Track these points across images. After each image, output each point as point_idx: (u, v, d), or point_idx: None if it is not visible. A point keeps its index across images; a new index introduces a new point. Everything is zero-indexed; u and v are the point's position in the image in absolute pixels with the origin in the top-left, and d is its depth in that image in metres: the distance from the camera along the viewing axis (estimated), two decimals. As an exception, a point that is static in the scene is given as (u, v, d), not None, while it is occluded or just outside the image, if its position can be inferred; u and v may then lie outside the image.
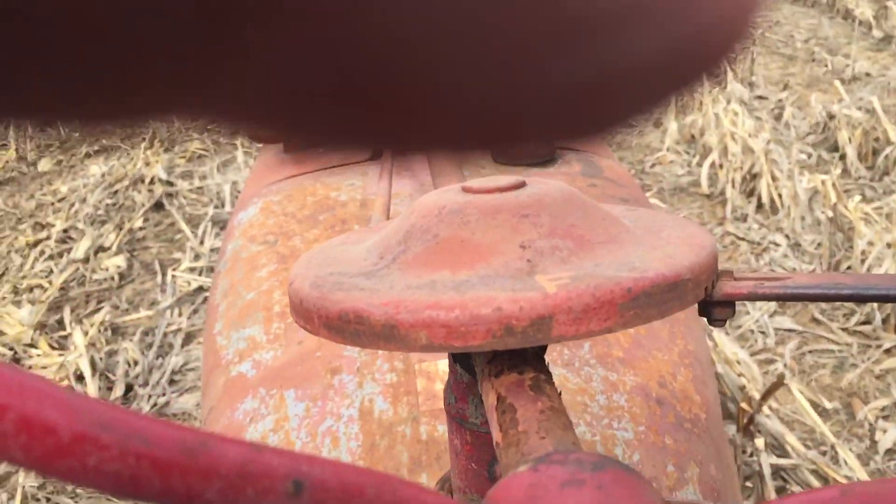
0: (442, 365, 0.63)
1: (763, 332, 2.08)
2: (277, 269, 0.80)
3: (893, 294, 0.34)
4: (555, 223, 0.34)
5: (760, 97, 4.08)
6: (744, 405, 1.56)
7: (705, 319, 0.37)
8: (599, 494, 0.21)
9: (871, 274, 0.36)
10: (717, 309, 0.36)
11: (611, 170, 0.97)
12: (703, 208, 2.87)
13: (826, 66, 4.60)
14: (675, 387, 0.64)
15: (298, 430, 0.62)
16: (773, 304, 2.18)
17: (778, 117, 3.65)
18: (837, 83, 3.70)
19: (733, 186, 2.84)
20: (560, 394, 0.31)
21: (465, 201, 0.35)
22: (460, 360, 0.39)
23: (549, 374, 0.32)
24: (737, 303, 0.36)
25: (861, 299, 0.35)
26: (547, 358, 0.39)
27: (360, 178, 0.94)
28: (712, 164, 3.01)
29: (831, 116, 3.29)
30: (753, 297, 0.36)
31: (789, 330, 2.09)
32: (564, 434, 0.27)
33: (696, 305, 0.36)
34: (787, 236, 2.55)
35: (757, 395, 1.63)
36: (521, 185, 0.36)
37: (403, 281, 0.33)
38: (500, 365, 0.32)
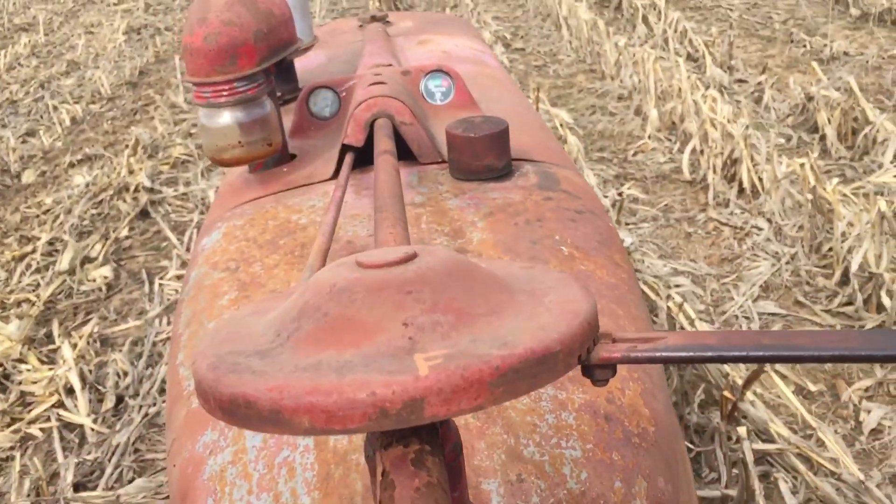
0: None
1: (747, 317, 2.10)
2: (238, 297, 0.80)
3: (753, 355, 0.36)
4: (437, 297, 0.35)
5: (740, 80, 4.09)
6: (726, 393, 1.58)
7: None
8: None
9: (735, 331, 0.37)
10: (597, 371, 0.37)
11: (568, 181, 0.96)
12: (685, 195, 2.89)
13: (805, 46, 4.62)
14: (623, 402, 0.64)
15: (256, 461, 0.62)
16: (756, 288, 2.20)
17: (758, 100, 3.67)
18: (815, 64, 3.72)
19: (714, 172, 2.85)
20: (457, 457, 0.33)
21: (354, 278, 0.36)
22: None
23: (436, 444, 0.33)
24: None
25: (723, 360, 0.36)
26: None
27: (321, 199, 0.94)
28: (693, 151, 3.03)
29: (810, 98, 3.31)
30: (628, 361, 0.36)
31: (773, 314, 2.11)
32: None
33: (580, 368, 0.37)
34: (768, 220, 2.56)
35: (740, 383, 1.65)
36: (412, 257, 0.37)
37: (293, 361, 0.33)
38: (389, 437, 0.33)
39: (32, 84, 5.71)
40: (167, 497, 1.74)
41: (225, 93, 0.94)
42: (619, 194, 2.82)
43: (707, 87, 3.50)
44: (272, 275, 0.81)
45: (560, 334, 0.33)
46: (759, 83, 3.85)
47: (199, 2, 0.97)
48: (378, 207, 0.69)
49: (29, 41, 6.98)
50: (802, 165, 2.41)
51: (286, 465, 0.61)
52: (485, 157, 0.91)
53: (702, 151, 3.02)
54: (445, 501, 0.29)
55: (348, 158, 0.96)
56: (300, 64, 1.29)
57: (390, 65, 1.21)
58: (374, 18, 1.74)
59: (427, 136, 0.99)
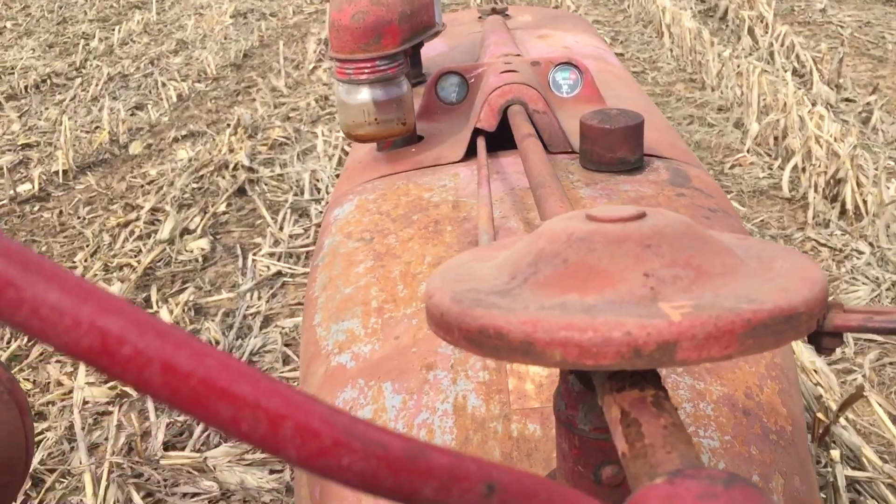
0: (533, 367, 0.64)
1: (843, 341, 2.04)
2: (374, 266, 0.82)
3: None
4: (675, 254, 0.35)
5: (848, 99, 3.96)
6: (820, 415, 1.55)
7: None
8: None
9: None
10: (826, 339, 0.37)
11: (699, 179, 0.96)
12: (783, 212, 2.82)
13: (920, 68, 4.44)
14: (761, 398, 0.64)
15: (396, 421, 0.64)
16: None
17: (865, 121, 3.55)
18: (931, 87, 3.57)
19: (816, 191, 2.77)
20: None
21: (592, 229, 0.37)
22: (575, 371, 0.40)
23: (666, 393, 0.34)
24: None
25: None
26: None
27: (452, 180, 0.95)
28: (794, 168, 2.95)
29: (924, 122, 3.18)
30: (863, 330, 0.37)
31: (869, 340, 2.05)
32: (688, 449, 0.29)
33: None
34: (870, 244, 2.48)
35: (834, 406, 1.61)
36: (643, 215, 0.38)
37: (536, 301, 0.35)
38: (621, 381, 0.34)
39: (143, 60, 5.95)
40: (252, 463, 1.80)
41: (367, 70, 0.97)
42: (715, 206, 2.77)
43: (814, 104, 3.39)
44: (407, 248, 0.83)
45: (804, 296, 0.34)
46: (868, 104, 3.72)
47: None
48: (538, 184, 0.70)
49: (142, 19, 7.28)
50: (913, 190, 2.33)
51: (425, 426, 0.63)
52: (619, 149, 0.92)
53: (803, 169, 2.94)
54: (689, 441, 0.30)
55: (482, 142, 0.98)
56: (422, 51, 1.33)
57: (519, 55, 1.22)
58: (494, 11, 1.75)
59: (558, 125, 1.00)
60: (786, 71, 4.56)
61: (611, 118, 0.92)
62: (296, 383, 2.25)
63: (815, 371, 1.76)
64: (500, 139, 1.01)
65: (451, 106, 1.11)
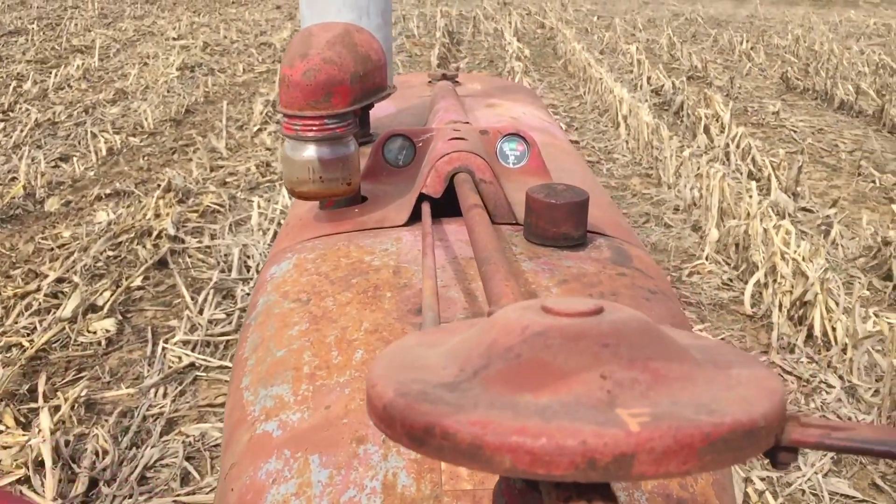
0: None
1: (816, 495, 1.83)
2: (308, 329, 0.79)
3: None
4: (633, 354, 0.35)
5: (806, 209, 3.87)
6: None
7: None
8: None
9: None
10: (782, 454, 0.36)
11: (639, 259, 0.95)
12: (745, 331, 2.64)
13: (874, 182, 4.40)
14: (695, 489, 0.64)
15: (321, 497, 0.62)
16: (827, 463, 1.93)
17: (825, 234, 3.44)
18: (895, 207, 3.49)
19: (780, 310, 2.61)
20: None
21: (548, 323, 0.36)
22: None
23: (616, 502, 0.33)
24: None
25: None
26: None
27: (394, 244, 0.94)
28: (757, 283, 2.79)
29: (887, 243, 3.07)
30: (820, 447, 0.36)
31: (846, 496, 1.84)
32: None
33: None
34: (840, 377, 2.30)
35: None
36: (600, 310, 0.37)
37: (486, 398, 0.34)
38: (568, 491, 0.33)
39: (77, 107, 5.63)
40: None
41: (315, 128, 0.96)
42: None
43: (781, 217, 3.26)
44: (344, 312, 0.81)
45: (764, 409, 0.33)
46: (828, 216, 3.63)
47: (302, 36, 1.00)
48: (483, 260, 0.70)
49: (82, 64, 6.96)
50: (892, 327, 2.16)
51: None
52: (563, 224, 0.92)
53: (765, 284, 2.78)
54: None
55: (426, 208, 0.96)
56: (371, 111, 1.32)
57: (467, 122, 1.22)
58: (444, 77, 1.77)
59: (504, 196, 1.00)
60: (739, 173, 4.48)
61: (557, 193, 0.91)
62: (216, 459, 1.93)
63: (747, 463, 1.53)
64: (444, 205, 1.00)
65: (397, 168, 1.10)
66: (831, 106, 6.40)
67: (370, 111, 1.30)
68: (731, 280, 3.00)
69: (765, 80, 7.61)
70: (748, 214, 3.11)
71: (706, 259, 3.18)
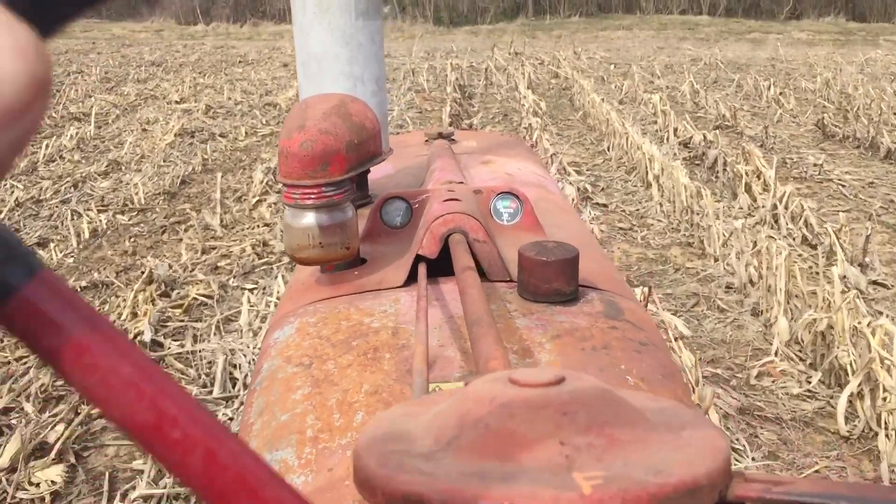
0: None
1: None
2: (311, 393, 0.82)
3: None
4: (590, 421, 0.39)
5: (877, 283, 3.37)
6: None
7: None
8: None
9: (869, 484, 0.39)
10: None
11: (631, 312, 0.97)
12: (843, 459, 2.13)
13: (948, 245, 3.90)
14: None
15: None
16: None
17: (909, 317, 2.93)
18: None
19: (887, 433, 2.09)
20: None
21: (513, 394, 0.41)
22: None
23: None
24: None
25: None
26: None
27: (392, 305, 0.96)
28: (851, 394, 2.27)
29: None
30: (762, 501, 0.38)
31: None
32: None
33: None
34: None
35: None
36: (562, 380, 0.42)
37: (457, 467, 0.38)
38: None
39: (66, 182, 5.25)
40: None
41: (313, 196, 0.99)
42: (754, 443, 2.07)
43: (878, 315, 2.74)
44: (345, 374, 0.83)
45: (707, 468, 0.36)
46: (908, 293, 3.13)
47: (300, 108, 1.06)
48: (473, 322, 0.73)
49: (77, 133, 6.61)
50: None
51: None
52: (554, 280, 0.93)
53: (860, 393, 2.28)
54: None
55: (423, 269, 0.98)
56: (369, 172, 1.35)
57: (462, 182, 1.27)
58: (440, 135, 1.81)
59: (497, 254, 1.02)
60: (791, 238, 4.00)
61: (548, 251, 0.93)
62: None
63: None
64: (443, 263, 1.00)
65: (395, 230, 1.13)
66: (877, 155, 5.92)
67: (367, 174, 1.36)
68: (810, 382, 2.50)
69: (798, 127, 7.16)
70: (826, 303, 2.61)
71: (776, 355, 2.68)
